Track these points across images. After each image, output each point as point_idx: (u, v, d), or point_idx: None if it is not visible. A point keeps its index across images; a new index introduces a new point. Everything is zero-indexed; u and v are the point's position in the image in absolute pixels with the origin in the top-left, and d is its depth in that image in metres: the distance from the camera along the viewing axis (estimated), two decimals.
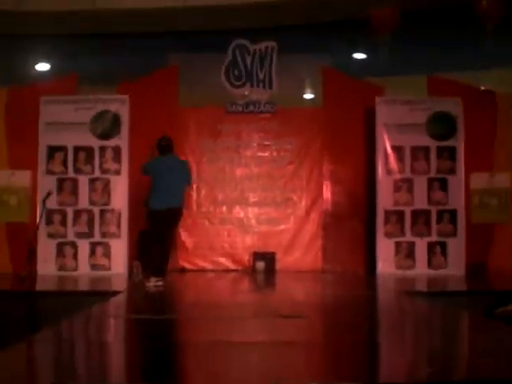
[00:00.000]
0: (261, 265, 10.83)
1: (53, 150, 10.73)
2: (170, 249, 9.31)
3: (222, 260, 11.27)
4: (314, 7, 10.91)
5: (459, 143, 10.93)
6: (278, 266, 10.89)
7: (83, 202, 10.70)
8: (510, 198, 11.30)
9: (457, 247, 10.82)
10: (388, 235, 10.86)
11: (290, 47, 11.24)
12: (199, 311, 6.96)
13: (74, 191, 10.71)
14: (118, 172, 10.74)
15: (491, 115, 11.26)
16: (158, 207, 8.91)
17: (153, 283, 8.62)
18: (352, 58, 12.66)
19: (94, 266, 10.61)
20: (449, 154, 10.95)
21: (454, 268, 10.73)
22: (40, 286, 8.65)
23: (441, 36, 11.32)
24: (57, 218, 10.61)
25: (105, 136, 10.80)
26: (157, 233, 8.95)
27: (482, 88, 11.90)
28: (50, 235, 10.54)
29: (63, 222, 10.64)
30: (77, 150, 10.76)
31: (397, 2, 9.52)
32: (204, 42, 11.36)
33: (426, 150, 10.97)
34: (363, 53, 12.48)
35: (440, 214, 10.89)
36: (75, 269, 10.55)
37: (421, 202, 10.92)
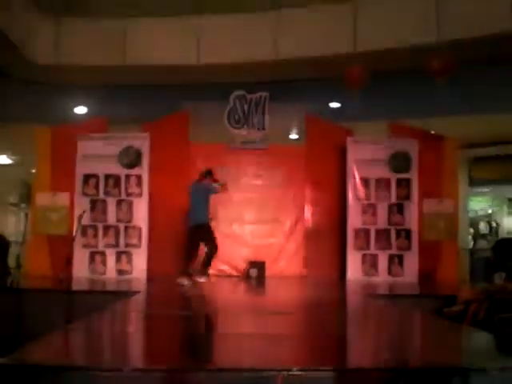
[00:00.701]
0: (254, 271, 10.80)
1: (87, 177, 10.74)
2: (209, 254, 9.76)
3: (224, 267, 11.24)
4: (299, 66, 10.96)
5: (414, 176, 10.95)
6: (268, 272, 10.86)
7: (111, 219, 10.69)
8: (454, 220, 11.32)
9: (411, 259, 10.81)
10: (356, 248, 10.85)
11: (280, 97, 11.28)
12: (207, 308, 6.94)
13: (104, 210, 10.70)
14: (139, 195, 10.73)
15: (440, 154, 11.29)
16: (190, 224, 9.76)
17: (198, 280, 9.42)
18: (329, 106, 12.70)
19: (119, 271, 10.58)
20: (406, 184, 10.96)
21: (409, 276, 10.72)
22: (75, 287, 8.61)
23: (400, 89, 11.38)
24: (90, 231, 10.61)
25: (129, 166, 10.80)
26: (192, 243, 9.79)
27: (433, 132, 11.94)
28: (84, 245, 10.53)
29: (95, 235, 10.63)
30: (107, 177, 10.76)
31: (364, 64, 9.54)
32: (211, 92, 11.38)
33: (388, 181, 10.98)
34: (338, 102, 12.52)
35: (398, 232, 10.89)
36: (104, 273, 10.53)
37: (383, 223, 10.91)
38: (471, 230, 17.70)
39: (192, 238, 9.75)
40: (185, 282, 9.15)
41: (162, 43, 11.28)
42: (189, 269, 9.55)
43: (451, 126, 12.87)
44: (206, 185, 9.84)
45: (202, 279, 9.43)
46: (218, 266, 11.21)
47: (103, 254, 10.62)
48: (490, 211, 19.79)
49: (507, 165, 16.66)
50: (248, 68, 11.09)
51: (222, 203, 11.31)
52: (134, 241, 10.67)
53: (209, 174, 9.95)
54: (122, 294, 7.62)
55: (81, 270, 10.31)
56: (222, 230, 11.22)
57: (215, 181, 9.99)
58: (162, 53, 11.26)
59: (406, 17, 10.41)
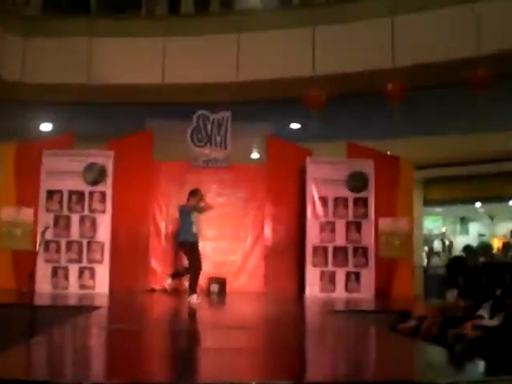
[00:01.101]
0: (215, 287, 10.74)
1: (51, 193, 10.60)
2: (193, 273, 9.63)
3: (184, 283, 11.14)
4: (260, 88, 11.01)
5: (370, 195, 11.07)
6: (229, 288, 10.81)
7: (74, 234, 10.56)
8: (409, 238, 11.44)
9: (368, 276, 10.88)
10: (315, 265, 10.87)
11: (242, 117, 11.29)
12: (165, 324, 6.89)
13: (67, 226, 10.57)
14: (103, 211, 10.63)
15: (395, 174, 11.43)
16: (176, 242, 10.11)
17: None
18: (289, 127, 12.76)
19: (81, 286, 10.43)
20: (362, 203, 11.06)
21: (366, 292, 10.79)
22: (37, 301, 8.49)
23: (357, 111, 11.47)
24: (52, 247, 10.45)
25: (93, 183, 10.71)
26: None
27: (389, 153, 12.08)
28: (47, 260, 10.36)
29: (58, 250, 10.48)
30: (70, 193, 10.64)
31: (324, 88, 9.64)
32: (174, 112, 11.34)
33: (345, 199, 11.06)
34: (298, 123, 12.59)
35: (355, 249, 10.96)
36: (66, 288, 10.37)
37: (340, 240, 10.97)
38: (425, 248, 17.93)
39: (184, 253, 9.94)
40: (194, 299, 9.26)
41: (127, 63, 11.25)
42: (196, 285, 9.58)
43: (405, 148, 13.03)
44: (190, 205, 9.78)
45: (193, 299, 9.28)
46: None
47: (66, 268, 10.46)
48: (443, 230, 20.12)
49: (459, 186, 16.97)
50: (211, 89, 11.09)
51: None
52: (97, 256, 10.55)
53: (194, 193, 9.88)
54: (84, 309, 7.57)
55: (43, 284, 10.13)
56: None
57: (201, 199, 9.91)
58: (126, 72, 11.21)
59: (362, 43, 10.56)
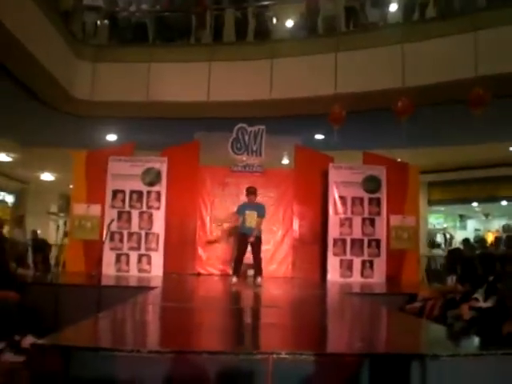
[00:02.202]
0: (251, 272, 10.75)
1: (115, 192, 10.72)
2: (257, 260, 9.40)
3: (225, 268, 11.19)
4: (289, 105, 11.01)
5: (383, 195, 10.98)
6: (263, 273, 10.79)
7: (135, 227, 10.68)
8: (415, 232, 11.32)
9: (380, 264, 10.81)
10: (335, 254, 10.82)
11: (274, 130, 11.28)
12: (211, 302, 6.92)
13: (129, 220, 10.68)
14: (158, 208, 10.73)
15: (404, 178, 11.31)
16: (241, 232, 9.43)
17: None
18: (314, 138, 12.72)
19: (140, 270, 10.54)
20: (376, 202, 10.98)
21: (378, 278, 10.72)
22: (104, 282, 8.60)
23: (372, 125, 11.40)
24: (116, 237, 10.58)
25: (150, 184, 10.81)
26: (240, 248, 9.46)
27: (399, 160, 11.98)
28: (112, 248, 10.50)
29: (121, 240, 10.61)
30: (131, 192, 10.75)
31: (344, 105, 9.58)
32: (218, 125, 11.39)
33: (361, 199, 10.98)
34: (321, 134, 12.55)
35: (369, 241, 10.88)
36: (128, 271, 10.50)
37: (357, 234, 10.90)
38: (429, 241, 17.74)
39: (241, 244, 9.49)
40: (233, 279, 9.17)
41: (179, 83, 11.30)
42: (238, 269, 9.38)
43: (412, 156, 12.94)
44: (257, 203, 9.61)
45: (233, 280, 9.19)
46: (221, 266, 11.26)
47: (127, 255, 10.58)
48: (444, 225, 19.91)
49: (458, 188, 16.79)
50: (249, 105, 11.14)
51: (226, 215, 11.34)
52: (153, 245, 10.65)
53: (251, 191, 9.57)
54: (143, 289, 7.63)
55: (109, 268, 10.26)
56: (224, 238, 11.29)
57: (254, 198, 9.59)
58: (179, 91, 11.29)
59: (376, 66, 10.50)
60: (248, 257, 9.62)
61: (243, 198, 10.13)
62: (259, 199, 10.44)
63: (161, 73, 11.40)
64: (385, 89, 10.15)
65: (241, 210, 9.48)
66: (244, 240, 9.33)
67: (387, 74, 10.33)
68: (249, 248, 9.38)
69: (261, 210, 9.45)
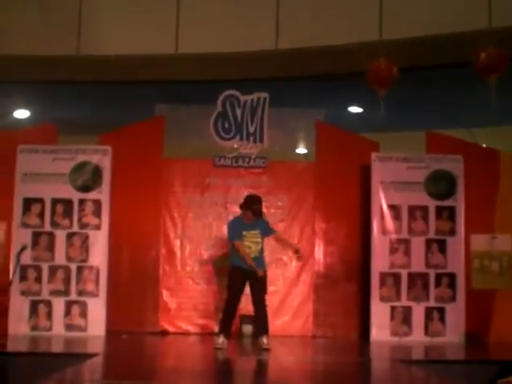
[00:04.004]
0: (248, 329, 10.72)
1: (29, 202, 10.69)
2: (260, 310, 9.39)
3: (208, 323, 11.14)
4: (306, 59, 10.96)
5: (459, 203, 10.94)
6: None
7: (60, 257, 10.62)
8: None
9: (456, 313, 10.75)
10: (383, 299, 10.78)
11: (283, 99, 11.27)
12: (180, 379, 6.86)
13: (50, 246, 10.63)
14: (97, 227, 10.70)
15: (494, 174, 11.28)
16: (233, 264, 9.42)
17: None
18: (347, 111, 12.71)
19: (69, 327, 10.48)
20: (448, 214, 10.95)
21: (453, 336, 10.67)
22: (11, 347, 8.52)
23: (441, 91, 11.38)
24: (31, 274, 10.50)
25: (85, 188, 10.78)
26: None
27: (484, 146, 11.95)
28: (23, 292, 10.42)
29: (38, 279, 10.53)
30: (54, 202, 10.72)
31: (393, 58, 9.56)
32: (193, 93, 11.38)
33: (425, 209, 10.96)
34: (359, 107, 12.52)
35: (438, 277, 10.85)
36: (49, 329, 10.42)
37: (418, 265, 10.87)
38: None
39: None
40: (220, 341, 9.10)
41: (127, 27, 11.27)
42: (228, 325, 9.33)
43: (506, 139, 12.90)
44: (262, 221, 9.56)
45: (217, 342, 9.18)
46: (200, 320, 11.31)
47: (48, 303, 10.51)
48: None
49: None
50: (241, 60, 11.07)
51: (207, 238, 11.40)
52: (90, 287, 10.60)
53: (251, 202, 9.38)
54: (74, 358, 7.55)
55: (19, 325, 10.21)
56: (205, 273, 11.37)
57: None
58: (127, 40, 11.24)
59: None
60: (242, 305, 9.64)
61: (236, 210, 10.09)
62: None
63: (98, 11, 11.34)
64: (463, 31, 10.09)
65: (235, 231, 9.36)
66: (240, 278, 9.27)
67: (467, 8, 10.28)
68: (246, 290, 9.33)
69: (265, 227, 9.40)
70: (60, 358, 7.84)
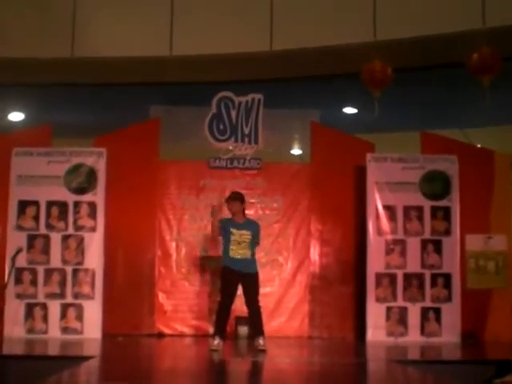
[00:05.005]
0: (244, 330, 10.71)
1: (24, 205, 10.67)
2: (253, 311, 9.37)
3: (203, 324, 11.14)
4: (302, 60, 10.96)
5: (454, 203, 10.96)
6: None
7: (55, 260, 10.60)
8: (508, 262, 11.28)
9: (452, 313, 10.75)
10: (379, 300, 10.78)
11: (278, 100, 11.27)
12: (176, 381, 6.86)
13: (46, 249, 10.61)
14: (93, 229, 10.67)
15: (489, 175, 11.31)
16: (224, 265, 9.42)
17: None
18: (342, 112, 12.71)
19: (65, 330, 10.46)
20: (443, 214, 10.96)
21: (449, 336, 10.66)
22: (7, 350, 8.51)
23: (436, 92, 11.39)
24: (26, 277, 10.48)
25: (80, 191, 10.76)
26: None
27: (479, 146, 11.96)
28: (19, 296, 10.40)
29: (33, 282, 10.51)
30: (49, 204, 10.70)
31: (387, 58, 9.57)
32: (187, 94, 11.38)
33: (420, 209, 10.97)
34: (354, 108, 12.53)
35: (434, 277, 10.84)
36: (45, 332, 10.41)
37: (414, 265, 10.87)
38: None
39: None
40: (215, 342, 9.05)
41: (122, 29, 11.25)
42: (222, 326, 9.29)
43: (500, 138, 12.91)
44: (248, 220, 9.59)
45: (213, 344, 9.15)
46: (195, 322, 11.31)
47: (44, 306, 10.50)
48: None
49: None
50: (236, 62, 11.07)
51: (202, 240, 11.39)
52: (86, 289, 10.58)
53: (234, 199, 9.45)
54: (70, 361, 7.53)
55: (14, 328, 10.19)
56: (200, 275, 11.35)
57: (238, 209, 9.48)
58: (121, 42, 11.22)
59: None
60: (238, 307, 9.67)
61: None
62: (253, 214, 10.42)
63: (92, 13, 11.32)
64: (458, 32, 10.09)
65: (221, 227, 9.35)
66: (231, 278, 9.27)
67: (461, 9, 10.27)
68: (239, 291, 9.33)
69: (255, 230, 9.40)
70: (56, 360, 7.82)
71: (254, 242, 9.34)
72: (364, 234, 10.99)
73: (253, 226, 9.37)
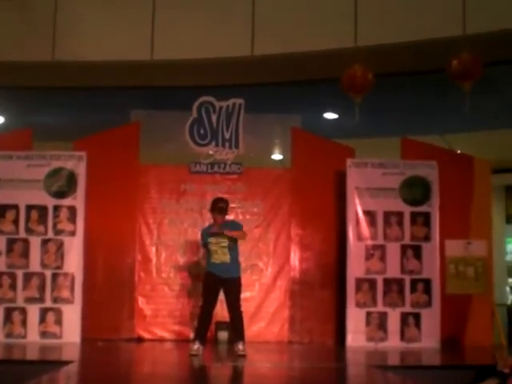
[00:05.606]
0: (224, 335, 10.71)
1: (3, 209, 10.63)
2: (235, 316, 9.40)
3: (183, 329, 11.11)
4: (282, 65, 10.97)
5: (434, 209, 11.00)
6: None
7: (34, 264, 10.55)
8: (487, 267, 11.32)
9: (431, 319, 10.79)
10: (359, 305, 10.80)
11: (258, 105, 11.27)
12: None
13: (25, 253, 10.57)
14: (72, 233, 10.64)
15: (468, 180, 11.37)
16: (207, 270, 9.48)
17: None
18: (322, 118, 12.72)
19: (43, 334, 10.42)
20: (423, 219, 11.00)
21: (429, 341, 10.68)
22: None
23: (416, 97, 11.42)
24: (5, 281, 10.46)
25: (60, 194, 10.72)
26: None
27: (459, 151, 12.00)
28: None
29: (12, 286, 10.48)
30: (29, 208, 10.66)
31: (368, 65, 9.58)
32: (168, 99, 11.35)
33: (400, 215, 11.01)
34: (334, 113, 12.54)
35: (414, 283, 10.88)
36: (24, 336, 10.36)
37: (394, 271, 10.90)
38: (510, 281, 17.74)
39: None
40: (195, 347, 9.07)
41: (103, 33, 11.22)
42: (203, 331, 9.31)
43: (480, 145, 12.96)
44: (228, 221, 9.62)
45: (193, 349, 9.11)
46: (175, 326, 11.29)
47: (23, 310, 10.46)
48: None
49: None
50: (217, 66, 11.06)
51: (182, 244, 11.39)
52: (65, 293, 10.55)
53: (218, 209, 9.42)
54: (49, 365, 7.50)
55: None
56: (181, 279, 11.38)
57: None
58: (102, 46, 11.19)
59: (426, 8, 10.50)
60: (218, 311, 9.66)
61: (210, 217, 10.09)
62: (237, 218, 10.41)
63: (74, 16, 11.28)
64: (438, 38, 10.12)
65: (204, 239, 9.39)
66: (213, 284, 9.28)
67: (442, 15, 10.31)
68: (221, 296, 9.32)
69: (233, 228, 9.38)
70: (35, 365, 7.81)
71: (237, 240, 9.34)
72: (344, 239, 11.01)
73: (228, 227, 9.35)
